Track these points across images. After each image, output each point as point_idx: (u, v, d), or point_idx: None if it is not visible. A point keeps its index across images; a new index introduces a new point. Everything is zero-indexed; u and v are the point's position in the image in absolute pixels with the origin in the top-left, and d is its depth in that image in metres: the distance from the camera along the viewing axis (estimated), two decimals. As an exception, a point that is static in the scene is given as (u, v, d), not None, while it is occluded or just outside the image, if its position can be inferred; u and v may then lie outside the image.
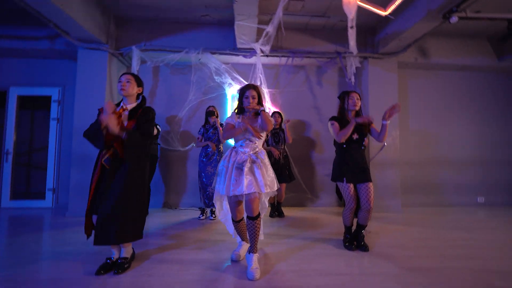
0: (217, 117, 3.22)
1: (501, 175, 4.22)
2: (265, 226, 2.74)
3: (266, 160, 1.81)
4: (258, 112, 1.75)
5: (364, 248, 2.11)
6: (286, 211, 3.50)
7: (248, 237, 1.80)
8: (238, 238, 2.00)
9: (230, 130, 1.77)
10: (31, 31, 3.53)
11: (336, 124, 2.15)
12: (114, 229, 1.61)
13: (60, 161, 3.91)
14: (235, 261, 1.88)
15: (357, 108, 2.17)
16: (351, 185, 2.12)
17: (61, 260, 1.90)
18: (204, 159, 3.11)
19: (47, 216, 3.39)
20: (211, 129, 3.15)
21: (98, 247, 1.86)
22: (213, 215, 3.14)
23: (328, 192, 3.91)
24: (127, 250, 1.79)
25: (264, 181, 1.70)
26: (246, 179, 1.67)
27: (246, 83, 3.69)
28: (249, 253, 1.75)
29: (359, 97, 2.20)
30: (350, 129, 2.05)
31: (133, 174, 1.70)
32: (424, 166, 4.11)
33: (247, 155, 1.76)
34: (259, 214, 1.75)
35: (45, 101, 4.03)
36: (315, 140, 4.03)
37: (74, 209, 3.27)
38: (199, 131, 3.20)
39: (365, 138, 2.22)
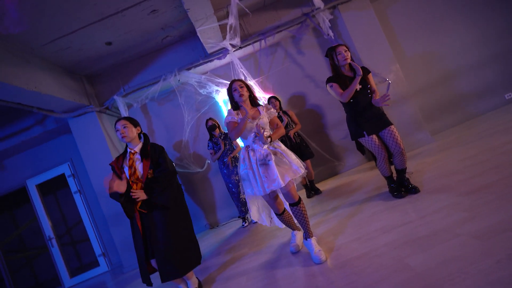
0: (219, 128, 3.24)
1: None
2: (308, 208, 2.70)
3: (283, 146, 1.80)
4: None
5: (414, 190, 2.01)
6: (320, 186, 3.45)
7: (298, 224, 1.79)
8: (292, 234, 1.97)
9: (235, 127, 1.73)
10: (20, 124, 3.64)
11: (335, 84, 2.05)
12: (174, 263, 1.66)
13: (97, 227, 4.03)
14: (295, 252, 1.86)
15: (349, 60, 2.05)
16: (374, 136, 2.04)
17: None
18: (225, 171, 3.13)
19: (108, 279, 3.52)
20: (219, 142, 3.16)
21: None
22: (245, 222, 3.13)
23: (353, 152, 3.80)
24: (192, 281, 1.82)
25: (296, 164, 1.70)
26: (279, 172, 1.65)
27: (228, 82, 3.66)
28: (306, 239, 1.74)
29: (346, 49, 2.08)
30: (355, 86, 1.95)
31: (171, 208, 1.75)
32: (436, 87, 3.90)
33: (265, 149, 1.73)
34: (300, 198, 1.74)
35: (62, 180, 4.16)
36: (319, 108, 3.92)
37: (128, 262, 3.38)
38: (208, 146, 3.22)
39: (369, 86, 2.09)
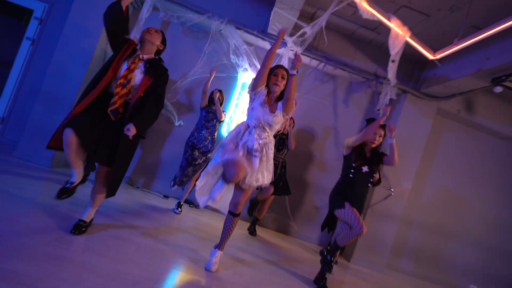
0: (221, 102, 3.75)
1: (501, 265, 4.90)
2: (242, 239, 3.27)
3: (271, 154, 2.27)
4: (290, 74, 2.17)
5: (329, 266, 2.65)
6: (260, 231, 4.05)
7: (222, 234, 2.32)
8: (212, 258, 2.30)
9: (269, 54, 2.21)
10: None
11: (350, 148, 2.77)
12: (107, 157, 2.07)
13: (20, 89, 4.32)
14: (208, 270, 2.24)
15: (375, 145, 2.70)
16: (355, 209, 2.60)
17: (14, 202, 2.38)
18: (193, 141, 3.68)
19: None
20: (212, 112, 3.74)
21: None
22: (179, 209, 3.66)
23: (312, 227, 4.48)
24: (88, 214, 2.27)
25: (262, 176, 2.24)
26: (257, 172, 2.19)
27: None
28: (215, 248, 2.28)
29: (382, 134, 2.72)
30: (376, 125, 2.59)
31: (135, 138, 2.13)
32: (426, 233, 4.75)
33: (257, 142, 2.20)
34: (240, 213, 2.30)
35: (18, 10, 4.39)
36: (319, 163, 4.58)
37: (24, 149, 3.71)
38: (202, 111, 3.80)
39: (375, 174, 2.72)
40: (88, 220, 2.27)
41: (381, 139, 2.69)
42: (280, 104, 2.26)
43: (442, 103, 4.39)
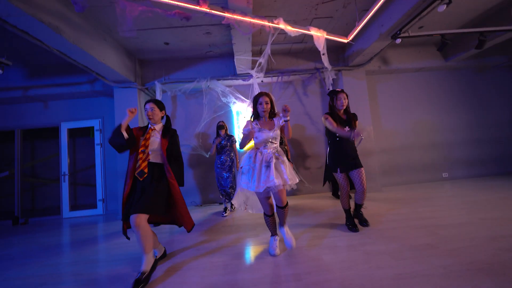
0: (226, 130, 3.51)
1: (460, 153, 4.65)
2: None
3: (285, 158, 1.92)
4: (285, 121, 1.85)
5: (365, 223, 2.28)
6: (289, 199, 3.96)
7: (279, 220, 1.92)
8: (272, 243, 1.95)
9: (243, 140, 1.87)
10: (75, 78, 4.06)
11: (330, 118, 2.21)
12: (144, 202, 1.67)
13: (105, 177, 4.41)
14: (273, 255, 1.85)
15: (345, 106, 2.21)
16: (344, 174, 2.24)
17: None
18: (219, 166, 3.40)
19: (101, 220, 3.88)
20: (223, 141, 3.46)
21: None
22: (225, 212, 3.38)
23: (317, 181, 4.36)
24: (159, 249, 1.90)
25: (287, 175, 1.80)
26: (276, 174, 1.76)
27: (247, 100, 4.20)
28: (281, 226, 1.90)
29: (346, 97, 2.23)
30: (343, 133, 2.13)
31: (165, 186, 1.81)
32: (396, 152, 4.57)
33: (271, 154, 1.85)
34: (287, 203, 1.86)
35: (86, 130, 4.54)
36: (308, 140, 4.49)
37: (123, 213, 3.76)
38: (213, 141, 3.55)
39: (354, 130, 2.24)
40: (161, 254, 1.94)
41: (346, 100, 2.22)
42: (275, 120, 1.92)
43: (367, 66, 4.26)
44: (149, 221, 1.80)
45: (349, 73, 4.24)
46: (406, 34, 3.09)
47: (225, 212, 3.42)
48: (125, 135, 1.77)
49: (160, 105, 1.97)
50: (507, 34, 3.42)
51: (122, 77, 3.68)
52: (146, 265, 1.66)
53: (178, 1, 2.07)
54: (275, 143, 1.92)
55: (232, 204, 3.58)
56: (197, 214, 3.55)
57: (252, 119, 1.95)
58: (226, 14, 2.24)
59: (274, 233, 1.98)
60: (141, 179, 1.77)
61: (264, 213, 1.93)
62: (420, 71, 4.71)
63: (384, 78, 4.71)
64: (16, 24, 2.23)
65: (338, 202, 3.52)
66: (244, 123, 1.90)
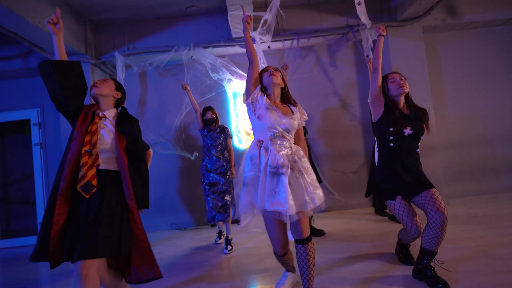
0: (217, 122, 3.41)
1: None
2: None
3: (307, 163, 1.76)
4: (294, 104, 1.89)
5: (442, 285, 1.80)
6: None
7: (300, 273, 1.74)
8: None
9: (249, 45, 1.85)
10: (1, 52, 4.09)
11: (382, 97, 2.05)
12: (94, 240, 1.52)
13: (49, 189, 4.47)
14: None
15: (406, 89, 2.00)
16: (406, 202, 2.00)
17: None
18: (209, 165, 3.30)
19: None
20: (214, 130, 3.34)
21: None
22: (220, 238, 3.39)
23: (357, 192, 4.30)
24: None
25: (311, 193, 1.66)
26: (290, 195, 1.60)
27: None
28: None
29: (402, 76, 2.06)
30: (379, 49, 2.03)
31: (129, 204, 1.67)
32: (468, 148, 4.47)
33: (283, 157, 1.68)
34: (310, 236, 1.71)
35: (20, 125, 4.60)
36: (338, 131, 4.43)
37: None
38: (203, 131, 3.39)
39: (422, 137, 2.04)
40: None
41: (405, 81, 2.03)
42: (293, 108, 1.87)
43: (424, 20, 4.16)
44: None
45: (398, 31, 4.16)
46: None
47: (220, 238, 3.43)
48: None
49: (118, 84, 1.91)
50: None
51: (67, 47, 3.69)
52: None
53: None
54: (289, 139, 1.76)
55: (228, 242, 3.19)
56: (177, 244, 3.55)
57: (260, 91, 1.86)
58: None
59: (288, 269, 2.00)
60: (87, 197, 1.59)
61: (274, 252, 1.90)
62: (507, 25, 4.57)
63: (452, 37, 4.60)
64: None
65: (385, 223, 3.48)
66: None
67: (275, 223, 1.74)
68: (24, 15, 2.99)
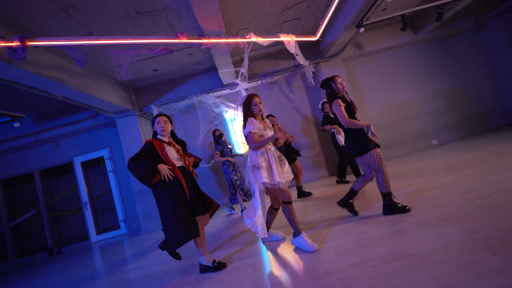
0: (222, 136, 3.70)
1: (445, 118, 4.89)
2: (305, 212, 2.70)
3: (283, 156, 1.97)
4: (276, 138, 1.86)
5: (405, 210, 1.96)
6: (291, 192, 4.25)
7: (288, 221, 1.84)
8: (271, 236, 2.07)
9: (259, 141, 1.78)
10: (79, 116, 4.41)
11: (343, 105, 1.96)
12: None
13: (123, 199, 4.78)
14: (315, 251, 1.73)
15: (345, 88, 2.06)
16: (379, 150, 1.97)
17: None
18: (229, 170, 3.53)
19: (126, 238, 4.25)
20: (226, 148, 3.63)
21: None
22: (233, 210, 3.68)
23: (314, 169, 4.65)
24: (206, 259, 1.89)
25: (287, 172, 1.89)
26: (288, 169, 1.88)
27: (235, 106, 4.50)
28: (295, 237, 1.79)
29: (341, 81, 2.06)
30: (361, 124, 1.95)
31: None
32: (385, 129, 4.82)
33: (277, 151, 1.93)
34: (291, 200, 1.86)
35: (96, 161, 4.90)
36: (299, 132, 4.78)
37: (145, 228, 4.14)
38: (216, 148, 3.70)
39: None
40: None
41: (344, 82, 2.09)
42: (266, 120, 1.99)
43: (342, 54, 4.52)
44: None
45: (327, 64, 4.51)
46: (369, 21, 3.35)
47: (233, 210, 3.70)
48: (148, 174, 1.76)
49: (170, 119, 2.04)
50: (463, 1, 3.64)
51: (120, 107, 4.01)
52: (205, 261, 1.87)
53: (160, 39, 2.38)
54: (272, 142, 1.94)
55: (232, 207, 3.71)
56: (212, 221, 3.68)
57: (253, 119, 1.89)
58: (204, 41, 2.54)
59: (269, 228, 2.02)
60: (198, 178, 1.95)
61: (286, 202, 1.82)
62: (394, 49, 4.95)
63: (361, 61, 4.96)
64: (26, 83, 2.57)
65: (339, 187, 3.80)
66: (249, 122, 1.83)
67: (279, 187, 1.81)
68: (93, 94, 3.30)
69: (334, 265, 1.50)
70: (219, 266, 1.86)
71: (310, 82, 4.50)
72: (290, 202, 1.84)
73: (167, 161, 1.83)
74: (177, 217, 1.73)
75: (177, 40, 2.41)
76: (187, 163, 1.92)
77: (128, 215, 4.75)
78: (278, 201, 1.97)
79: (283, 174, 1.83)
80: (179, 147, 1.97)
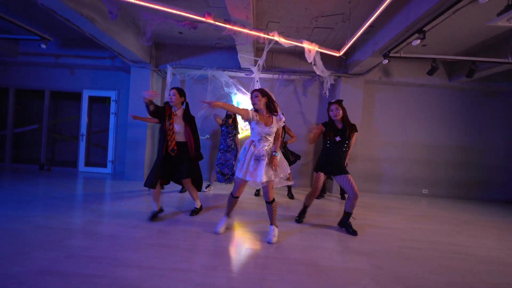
0: (233, 120, 4.06)
1: (445, 172, 5.09)
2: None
3: (279, 155, 2.18)
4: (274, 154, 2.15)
5: (353, 233, 2.48)
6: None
7: (269, 219, 2.26)
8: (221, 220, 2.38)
9: (233, 107, 2.07)
10: (99, 53, 4.88)
11: (320, 128, 2.56)
12: (189, 174, 2.57)
13: (117, 142, 5.39)
14: (216, 233, 2.27)
15: (338, 117, 2.43)
16: (322, 176, 2.54)
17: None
18: (225, 148, 3.97)
19: (110, 178, 4.91)
20: (230, 126, 4.00)
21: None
22: (208, 188, 4.13)
23: (302, 177, 5.05)
24: (197, 203, 2.79)
25: (272, 172, 2.11)
26: (265, 171, 2.05)
27: (247, 93, 4.85)
28: (270, 225, 2.26)
29: (339, 107, 2.43)
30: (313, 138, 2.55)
31: (196, 161, 2.65)
32: (382, 162, 5.10)
33: (264, 150, 2.11)
34: (274, 199, 2.21)
35: (104, 98, 5.45)
36: (299, 137, 5.10)
37: (129, 174, 4.76)
38: (222, 127, 4.05)
39: (347, 142, 2.47)
40: (198, 207, 2.82)
41: (339, 111, 2.45)
42: (274, 118, 2.17)
43: (367, 76, 4.69)
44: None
45: (347, 80, 4.71)
46: (398, 54, 3.53)
47: (206, 188, 4.16)
48: (151, 108, 2.37)
49: (181, 92, 2.55)
50: (503, 66, 3.72)
51: (139, 58, 4.44)
52: (157, 207, 2.62)
53: (188, 13, 2.72)
54: (269, 140, 2.14)
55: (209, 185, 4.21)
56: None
57: (254, 110, 2.17)
58: (227, 26, 2.86)
59: (227, 213, 2.36)
60: (173, 155, 2.46)
61: (231, 194, 2.27)
62: (423, 87, 5.05)
63: (384, 88, 5.11)
64: (63, 14, 3.00)
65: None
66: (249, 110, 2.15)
67: (242, 183, 2.21)
68: (117, 39, 3.71)
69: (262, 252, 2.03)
70: (154, 215, 2.55)
71: (325, 93, 4.74)
72: (235, 197, 2.25)
73: (167, 126, 2.44)
74: (153, 167, 2.47)
75: (203, 19, 2.74)
76: (189, 144, 2.54)
77: (117, 158, 5.38)
78: (239, 191, 2.24)
79: (254, 173, 2.08)
80: (183, 122, 2.52)
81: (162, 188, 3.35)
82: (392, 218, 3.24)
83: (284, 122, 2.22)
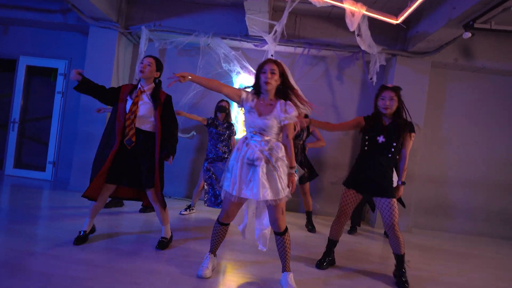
0: (226, 115, 4.09)
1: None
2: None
3: (281, 161, 2.06)
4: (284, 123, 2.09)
5: (403, 284, 2.39)
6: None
7: (279, 256, 2.19)
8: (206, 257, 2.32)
9: (213, 83, 2.16)
10: (46, 4, 4.94)
11: (356, 120, 2.57)
12: (150, 180, 2.55)
13: (62, 135, 5.42)
14: (200, 277, 2.19)
15: (390, 111, 2.36)
16: (352, 193, 2.51)
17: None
18: (214, 156, 3.96)
19: (48, 187, 4.91)
20: (221, 125, 4.01)
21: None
22: (189, 210, 4.08)
23: (331, 202, 4.94)
24: (166, 231, 2.75)
25: (281, 185, 2.03)
26: (263, 184, 1.98)
27: (253, 71, 4.82)
28: (283, 271, 2.18)
29: (394, 97, 2.35)
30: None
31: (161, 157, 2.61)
32: (448, 185, 4.97)
33: (259, 150, 2.04)
34: (286, 228, 2.11)
35: (48, 70, 5.52)
36: (328, 143, 5.00)
37: (75, 184, 4.75)
38: (209, 128, 4.06)
39: (395, 143, 2.35)
40: (168, 237, 2.80)
41: (393, 101, 2.37)
42: (278, 106, 2.09)
43: (435, 56, 4.60)
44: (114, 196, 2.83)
45: (406, 61, 4.64)
46: (487, 26, 3.45)
47: (186, 210, 4.09)
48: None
49: (159, 64, 2.66)
50: None
51: (102, 13, 4.47)
52: (88, 226, 2.72)
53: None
54: (267, 137, 2.07)
55: (189, 206, 4.16)
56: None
57: (252, 91, 2.19)
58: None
59: (213, 250, 2.34)
60: (129, 148, 2.50)
61: (218, 220, 2.24)
62: (519, 76, 4.93)
63: (462, 76, 5.01)
64: None
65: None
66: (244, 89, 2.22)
67: (234, 202, 2.11)
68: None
69: None
70: (80, 238, 2.66)
71: (371, 78, 4.67)
72: (223, 224, 2.26)
73: (127, 106, 2.52)
74: (93, 167, 2.60)
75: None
76: (157, 137, 2.57)
77: (61, 159, 5.40)
78: (229, 215, 2.22)
79: (250, 185, 2.04)
80: (152, 104, 2.56)
81: (121, 205, 3.35)
82: (465, 271, 3.14)
83: (306, 116, 2.14)
